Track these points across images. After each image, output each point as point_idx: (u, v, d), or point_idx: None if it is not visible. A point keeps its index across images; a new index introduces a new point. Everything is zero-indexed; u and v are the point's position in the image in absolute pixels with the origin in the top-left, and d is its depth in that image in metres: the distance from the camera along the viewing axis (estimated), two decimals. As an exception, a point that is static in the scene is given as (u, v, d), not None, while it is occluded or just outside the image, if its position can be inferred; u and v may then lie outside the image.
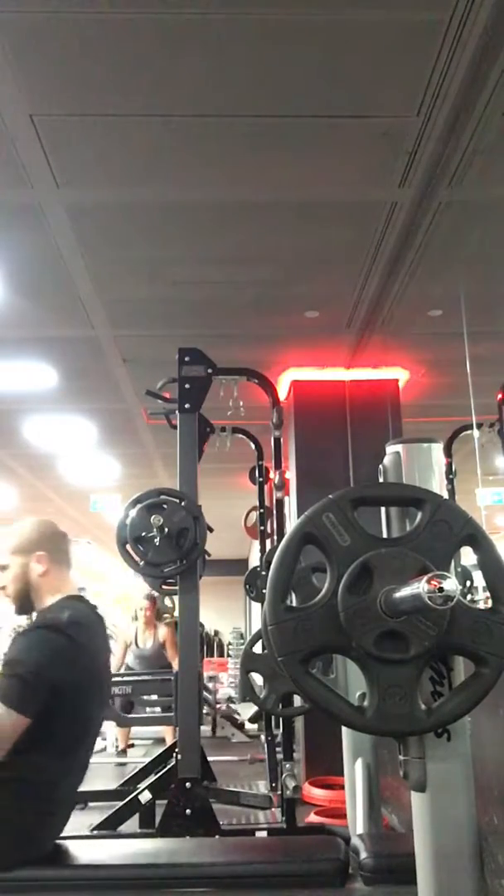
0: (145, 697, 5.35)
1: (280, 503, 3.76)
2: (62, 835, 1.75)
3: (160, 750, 4.32)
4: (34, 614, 1.96)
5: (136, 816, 3.35)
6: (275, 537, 4.00)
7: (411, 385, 5.30)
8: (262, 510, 4.78)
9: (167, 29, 2.32)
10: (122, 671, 6.00)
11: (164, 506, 3.18)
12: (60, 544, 2.02)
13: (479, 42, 2.36)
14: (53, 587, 1.92)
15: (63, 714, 1.71)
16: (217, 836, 2.77)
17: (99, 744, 4.92)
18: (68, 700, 1.71)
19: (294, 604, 1.13)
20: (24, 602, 1.93)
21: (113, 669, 6.24)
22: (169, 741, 4.95)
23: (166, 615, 6.55)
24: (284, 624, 1.08)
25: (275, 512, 3.81)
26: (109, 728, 6.15)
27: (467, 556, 1.19)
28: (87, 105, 2.63)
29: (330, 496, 1.13)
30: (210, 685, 8.06)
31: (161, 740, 5.87)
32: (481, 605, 1.68)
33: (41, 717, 1.66)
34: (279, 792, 3.18)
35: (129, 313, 4.25)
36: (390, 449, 1.28)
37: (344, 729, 1.99)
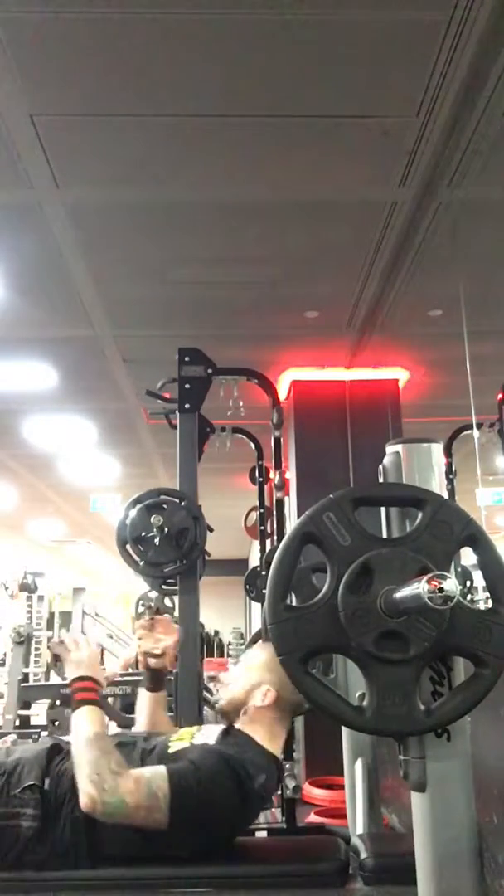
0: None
1: (280, 503, 3.76)
2: None
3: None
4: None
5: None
6: (275, 537, 3.99)
7: (411, 385, 5.30)
8: (262, 510, 4.77)
9: (167, 29, 2.32)
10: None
11: (164, 506, 3.17)
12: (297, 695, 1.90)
13: (479, 42, 2.36)
14: (264, 728, 1.75)
15: (181, 843, 1.60)
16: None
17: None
18: (196, 837, 1.60)
19: (294, 603, 1.13)
20: (231, 714, 1.80)
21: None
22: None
23: (166, 615, 6.54)
24: (284, 623, 1.08)
25: (275, 512, 3.80)
26: (110, 728, 6.15)
27: (467, 556, 1.19)
28: (87, 105, 2.63)
29: (331, 496, 1.13)
30: (210, 685, 8.05)
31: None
32: (481, 606, 1.67)
33: (172, 828, 1.55)
34: (279, 792, 3.18)
35: (129, 313, 4.25)
36: (390, 449, 1.28)
37: (344, 729, 1.99)
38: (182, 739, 1.76)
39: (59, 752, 1.76)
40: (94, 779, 1.50)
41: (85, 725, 1.61)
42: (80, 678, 1.72)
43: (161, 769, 1.57)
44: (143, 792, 1.51)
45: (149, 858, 1.60)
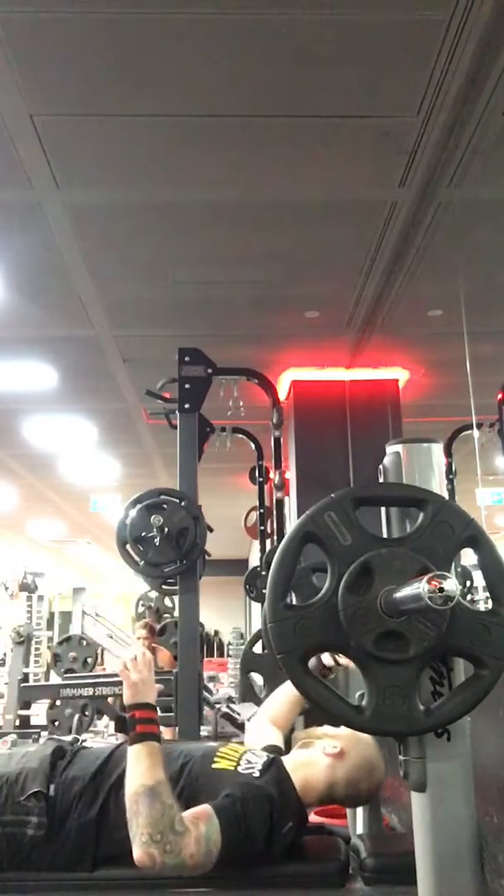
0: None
1: (280, 503, 3.77)
2: None
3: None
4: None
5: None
6: (275, 537, 4.00)
7: (411, 385, 5.30)
8: (262, 510, 4.78)
9: (167, 29, 2.32)
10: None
11: (164, 506, 3.18)
12: (365, 784, 1.76)
13: (479, 42, 2.36)
14: (308, 777, 1.73)
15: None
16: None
17: (99, 743, 4.95)
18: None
19: (294, 603, 1.13)
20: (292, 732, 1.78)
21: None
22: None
23: (166, 615, 6.55)
24: (284, 622, 1.08)
25: (275, 512, 3.81)
26: (110, 727, 6.15)
27: (467, 556, 1.19)
28: (87, 105, 2.62)
29: (332, 495, 1.13)
30: (210, 685, 8.06)
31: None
32: (481, 606, 1.67)
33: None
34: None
35: (129, 313, 4.25)
36: (390, 449, 1.28)
37: (344, 729, 1.98)
38: (227, 757, 1.73)
39: (62, 756, 1.75)
40: (156, 839, 1.44)
41: (146, 769, 1.52)
42: (141, 706, 1.61)
43: (215, 821, 1.52)
44: (202, 851, 1.48)
45: None
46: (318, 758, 1.75)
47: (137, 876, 1.56)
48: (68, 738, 1.87)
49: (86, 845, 1.61)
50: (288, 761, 1.77)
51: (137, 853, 1.44)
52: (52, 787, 1.65)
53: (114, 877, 1.59)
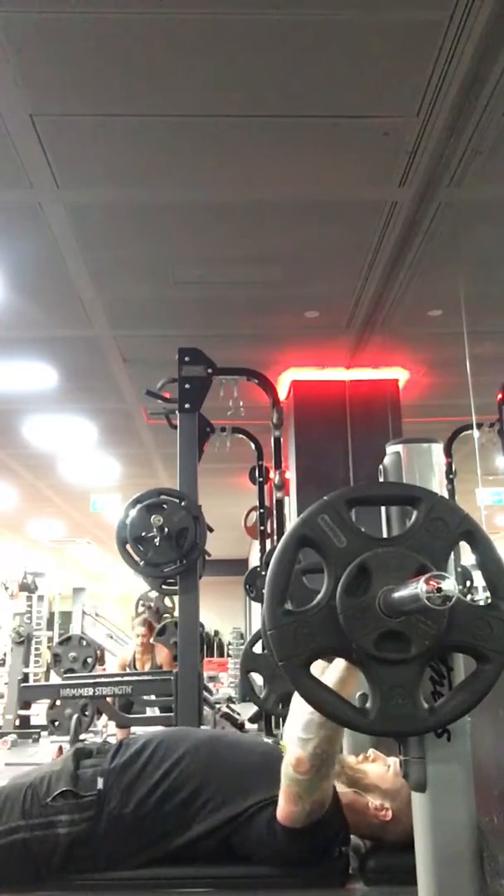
0: (145, 698, 5.36)
1: (280, 503, 3.77)
2: None
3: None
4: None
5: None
6: (275, 537, 4.00)
7: (411, 385, 5.30)
8: (262, 510, 4.77)
9: (167, 29, 2.32)
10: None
11: (164, 506, 3.18)
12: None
13: (479, 42, 2.36)
14: (354, 806, 1.66)
15: None
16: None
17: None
18: None
19: (289, 607, 1.12)
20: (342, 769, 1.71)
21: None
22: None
23: (166, 615, 6.55)
24: (283, 628, 1.07)
25: (275, 512, 3.81)
26: (109, 728, 6.16)
27: (468, 558, 1.19)
28: (87, 105, 2.63)
29: (325, 498, 1.12)
30: (210, 685, 8.06)
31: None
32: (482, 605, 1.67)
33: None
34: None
35: (129, 313, 4.25)
36: (390, 449, 1.28)
37: (345, 730, 1.98)
38: None
39: (87, 755, 1.73)
40: (323, 757, 1.45)
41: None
42: None
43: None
44: (324, 799, 1.52)
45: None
46: (369, 812, 1.67)
47: (138, 876, 1.56)
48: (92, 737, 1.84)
49: (135, 838, 1.59)
50: (341, 790, 1.69)
51: (300, 754, 1.44)
52: (100, 780, 1.62)
53: (114, 877, 1.58)
